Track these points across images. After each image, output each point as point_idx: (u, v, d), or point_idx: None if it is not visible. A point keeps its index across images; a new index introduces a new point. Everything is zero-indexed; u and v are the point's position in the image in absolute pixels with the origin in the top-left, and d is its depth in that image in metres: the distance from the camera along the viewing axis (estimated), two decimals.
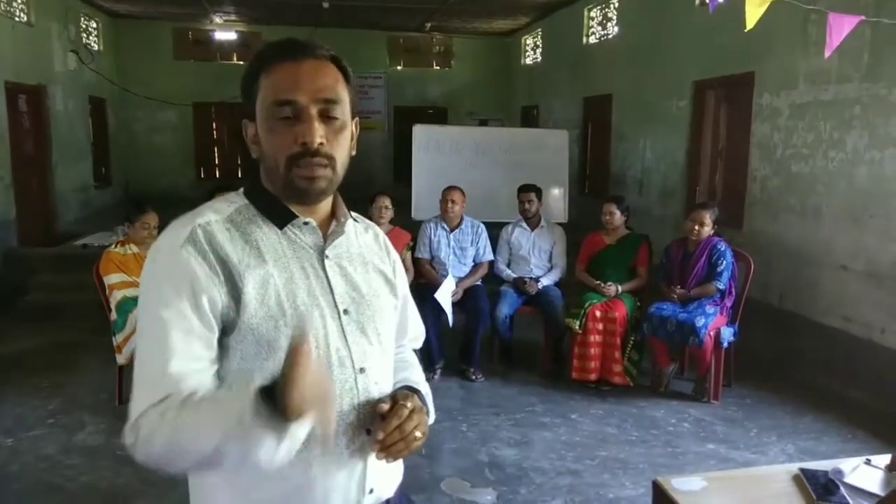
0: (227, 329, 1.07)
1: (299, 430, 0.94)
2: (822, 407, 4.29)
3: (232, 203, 1.16)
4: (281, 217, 1.15)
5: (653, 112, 7.47)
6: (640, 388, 4.52)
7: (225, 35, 12.68)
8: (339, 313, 1.15)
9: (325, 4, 9.71)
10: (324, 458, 1.11)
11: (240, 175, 12.73)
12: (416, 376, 1.35)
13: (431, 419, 1.26)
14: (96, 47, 10.90)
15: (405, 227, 5.09)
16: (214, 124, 13.00)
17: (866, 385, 4.45)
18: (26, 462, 3.45)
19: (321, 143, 1.09)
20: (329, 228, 1.19)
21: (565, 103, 10.28)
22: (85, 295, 5.00)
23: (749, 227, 5.69)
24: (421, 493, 3.17)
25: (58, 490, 3.20)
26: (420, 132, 7.15)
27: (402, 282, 1.35)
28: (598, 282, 4.69)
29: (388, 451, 1.09)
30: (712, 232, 4.48)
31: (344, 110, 1.13)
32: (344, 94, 1.13)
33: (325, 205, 1.20)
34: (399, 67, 13.37)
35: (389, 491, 1.25)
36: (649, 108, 7.55)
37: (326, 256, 1.17)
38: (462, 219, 5.03)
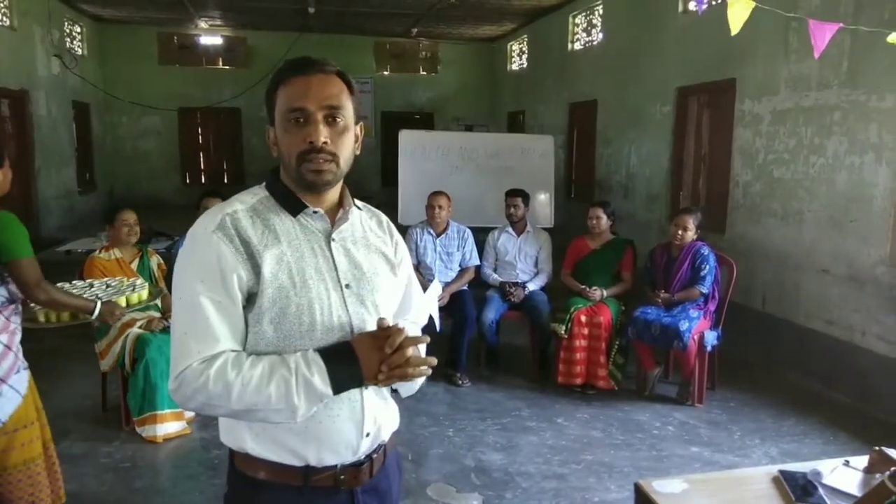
0: (250, 298, 1.29)
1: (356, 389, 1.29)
2: (804, 409, 4.33)
3: (255, 195, 1.38)
4: (294, 207, 1.36)
5: (637, 118, 7.53)
6: (625, 392, 4.55)
7: (210, 40, 12.65)
8: (341, 287, 1.35)
9: (311, 10, 9.72)
10: (328, 408, 1.31)
11: (225, 180, 12.67)
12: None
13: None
14: (80, 52, 10.83)
15: None
16: (200, 129, 12.95)
17: (848, 387, 4.50)
18: None
19: (325, 142, 1.30)
20: (336, 215, 1.40)
21: (551, 109, 10.34)
22: None
23: (732, 231, 5.74)
24: (407, 499, 3.17)
25: None
26: (406, 137, 7.17)
27: (405, 263, 1.53)
28: (584, 286, 4.72)
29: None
30: (696, 236, 4.52)
31: (346, 115, 1.34)
32: (347, 102, 1.34)
33: (333, 195, 1.41)
34: (385, 73, 13.40)
35: (384, 436, 1.44)
36: (634, 113, 7.62)
37: (333, 239, 1.38)
38: (448, 224, 5.04)
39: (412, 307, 1.58)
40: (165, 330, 3.85)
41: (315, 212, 1.37)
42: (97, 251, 4.06)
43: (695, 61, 6.38)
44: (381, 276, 1.43)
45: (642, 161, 7.48)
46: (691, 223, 4.49)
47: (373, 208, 1.55)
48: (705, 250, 4.48)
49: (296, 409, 1.22)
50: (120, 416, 3.89)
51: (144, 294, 3.52)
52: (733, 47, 5.45)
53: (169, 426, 3.72)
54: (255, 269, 1.27)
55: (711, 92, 6.22)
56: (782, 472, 2.08)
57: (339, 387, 1.25)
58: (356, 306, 1.36)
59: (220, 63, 12.79)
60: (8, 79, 7.81)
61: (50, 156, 9.06)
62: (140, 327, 3.82)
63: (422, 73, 13.71)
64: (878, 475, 2.03)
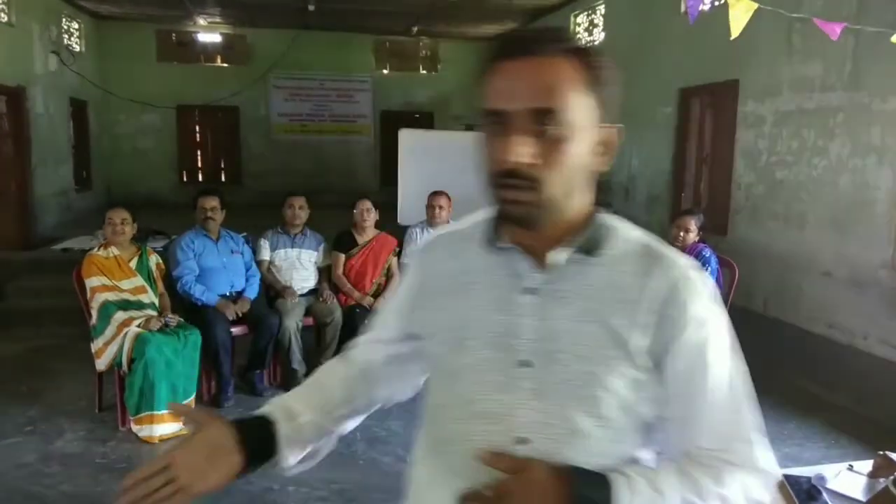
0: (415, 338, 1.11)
1: None
2: (805, 413, 4.31)
3: (479, 216, 1.07)
4: (487, 238, 1.01)
5: (639, 119, 7.50)
6: None
7: (209, 37, 12.59)
8: (514, 363, 0.93)
9: (311, 7, 9.68)
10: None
11: (222, 179, 12.62)
12: (657, 476, 0.93)
13: None
14: (78, 48, 10.78)
15: (392, 233, 5.07)
16: (198, 127, 12.89)
17: (849, 391, 4.48)
18: (4, 470, 3.38)
19: (527, 163, 0.89)
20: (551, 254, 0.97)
21: None
22: (64, 300, 4.91)
23: (734, 233, 5.72)
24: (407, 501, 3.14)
25: (36, 498, 3.14)
26: (406, 137, 7.14)
27: (678, 351, 0.97)
28: None
29: None
30: (697, 238, 4.50)
31: (570, 119, 0.90)
32: (573, 99, 0.90)
33: (561, 225, 0.96)
34: (385, 71, 13.35)
35: None
36: (635, 114, 7.58)
37: (531, 291, 0.95)
38: (449, 224, 5.02)
39: (704, 430, 0.99)
40: (163, 329, 3.82)
41: (504, 248, 0.98)
42: (95, 249, 4.03)
43: (697, 62, 6.36)
44: (595, 363, 0.92)
45: (643, 162, 7.46)
46: (693, 225, 4.47)
47: (653, 258, 1.03)
48: (707, 252, 4.45)
49: None
50: (115, 416, 3.85)
51: None
52: (736, 48, 5.43)
53: (166, 427, 3.68)
54: (412, 311, 1.09)
55: (714, 93, 6.19)
56: (786, 477, 2.06)
57: None
58: (531, 398, 0.91)
59: (219, 61, 12.73)
60: (5, 75, 7.76)
61: (47, 153, 9.00)
62: (138, 326, 3.78)
63: (422, 71, 13.67)
64: (882, 480, 2.01)
